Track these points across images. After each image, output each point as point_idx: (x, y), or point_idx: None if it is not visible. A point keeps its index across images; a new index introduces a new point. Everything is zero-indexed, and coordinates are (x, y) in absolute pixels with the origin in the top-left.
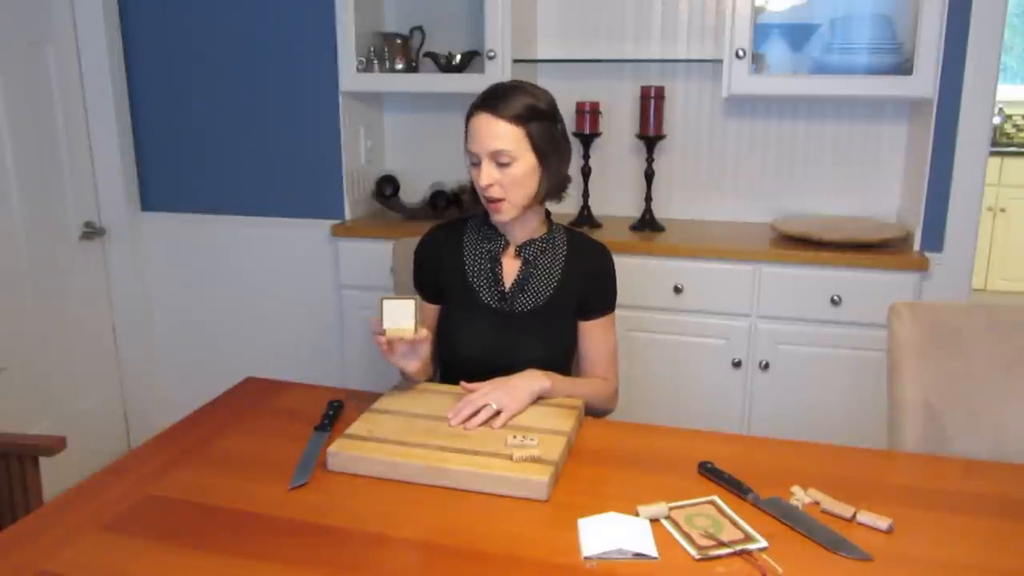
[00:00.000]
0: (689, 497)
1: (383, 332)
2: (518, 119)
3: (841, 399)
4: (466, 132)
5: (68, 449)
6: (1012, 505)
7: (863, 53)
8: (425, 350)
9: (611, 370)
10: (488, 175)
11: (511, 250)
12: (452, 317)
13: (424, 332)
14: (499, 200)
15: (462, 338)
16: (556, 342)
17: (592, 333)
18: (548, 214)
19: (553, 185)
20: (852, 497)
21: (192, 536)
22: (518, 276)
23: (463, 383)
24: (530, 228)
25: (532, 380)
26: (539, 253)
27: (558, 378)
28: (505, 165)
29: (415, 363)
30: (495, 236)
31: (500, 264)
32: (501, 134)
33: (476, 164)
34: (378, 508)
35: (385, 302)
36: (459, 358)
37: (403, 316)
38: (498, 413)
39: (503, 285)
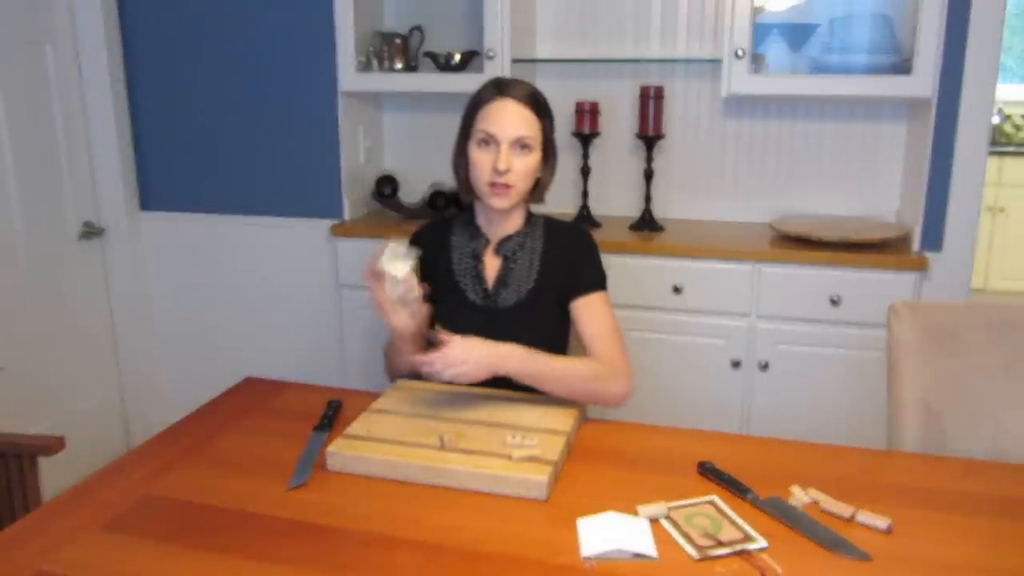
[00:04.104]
0: (688, 497)
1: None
2: (539, 111)
3: (840, 399)
4: (475, 116)
5: (67, 449)
6: (1011, 505)
7: (862, 53)
8: (417, 309)
9: (610, 350)
10: (507, 159)
11: (491, 247)
12: (440, 315)
13: (416, 290)
14: (509, 186)
15: None
16: (542, 334)
17: (582, 313)
18: (527, 209)
19: (544, 184)
20: (851, 497)
21: (192, 536)
22: (499, 272)
23: (438, 333)
24: (511, 224)
25: (497, 358)
26: (517, 248)
27: (533, 358)
28: (524, 153)
29: (403, 316)
30: (478, 234)
31: (482, 262)
32: (528, 121)
33: (485, 147)
34: (377, 508)
35: (389, 244)
36: None
37: (400, 261)
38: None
39: (486, 282)
